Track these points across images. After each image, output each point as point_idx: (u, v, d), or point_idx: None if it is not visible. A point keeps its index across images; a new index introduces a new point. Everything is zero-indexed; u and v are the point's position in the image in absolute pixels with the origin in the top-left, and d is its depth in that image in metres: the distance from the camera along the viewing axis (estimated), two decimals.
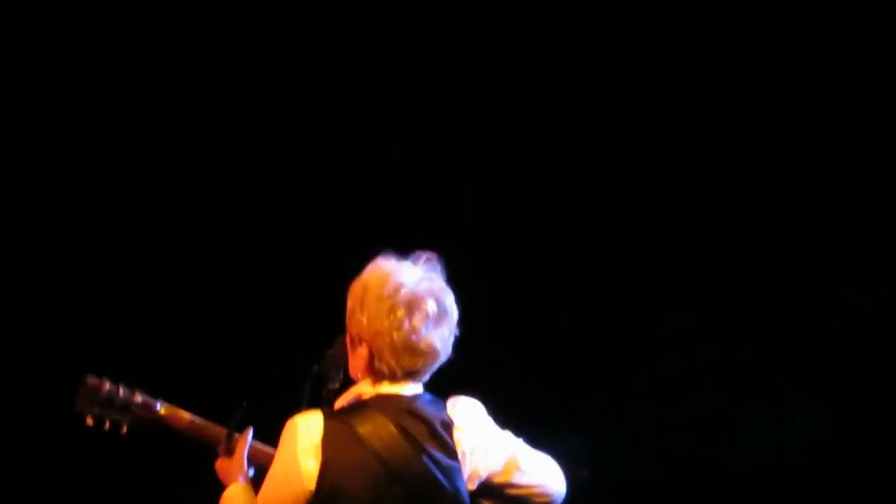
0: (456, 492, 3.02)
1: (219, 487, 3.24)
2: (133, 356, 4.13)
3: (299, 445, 2.98)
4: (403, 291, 3.01)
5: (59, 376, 3.68)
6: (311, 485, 2.97)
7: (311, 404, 3.17)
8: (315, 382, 3.25)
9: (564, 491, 3.25)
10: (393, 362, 3.02)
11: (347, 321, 3.08)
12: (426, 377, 3.09)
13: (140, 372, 3.54)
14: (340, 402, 3.12)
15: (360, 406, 3.05)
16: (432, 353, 3.03)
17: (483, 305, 3.49)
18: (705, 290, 4.84)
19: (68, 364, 3.83)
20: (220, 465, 3.32)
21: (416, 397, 3.06)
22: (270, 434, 3.15)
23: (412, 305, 3.00)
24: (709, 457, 4.77)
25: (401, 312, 3.00)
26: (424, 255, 3.09)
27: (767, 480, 4.79)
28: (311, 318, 3.38)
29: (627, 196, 4.87)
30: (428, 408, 3.05)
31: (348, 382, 3.15)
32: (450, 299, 3.07)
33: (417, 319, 3.00)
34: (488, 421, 3.14)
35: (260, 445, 3.34)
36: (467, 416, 3.09)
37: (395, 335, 2.99)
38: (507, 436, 3.17)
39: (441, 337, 3.04)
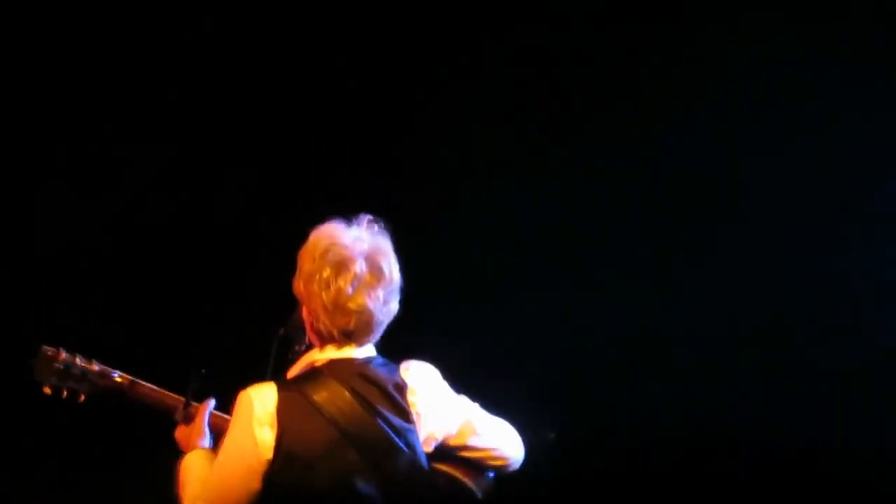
0: (413, 453, 3.02)
1: (176, 456, 3.25)
2: (88, 329, 4.10)
3: (254, 416, 2.98)
4: (333, 252, 3.02)
5: (15, 347, 3.66)
6: (268, 454, 2.97)
7: (278, 366, 3.17)
8: (281, 345, 3.25)
9: (522, 455, 3.27)
10: (328, 322, 3.03)
11: (293, 285, 3.09)
12: (372, 338, 3.09)
13: (97, 344, 3.54)
14: (293, 372, 3.12)
15: (313, 373, 3.05)
16: (363, 312, 3.02)
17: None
18: None
19: (23, 335, 3.81)
20: (180, 433, 3.33)
21: (368, 360, 3.07)
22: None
23: (340, 266, 3.01)
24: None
25: (327, 273, 3.01)
26: (366, 218, 3.10)
27: None
28: (273, 287, 3.35)
29: None
30: (381, 370, 3.06)
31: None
32: (386, 260, 3.07)
33: (343, 280, 3.00)
34: (443, 384, 3.14)
35: (222, 416, 3.34)
36: (421, 378, 3.09)
37: (324, 295, 3.01)
38: (463, 399, 3.18)
39: (374, 297, 3.03)
